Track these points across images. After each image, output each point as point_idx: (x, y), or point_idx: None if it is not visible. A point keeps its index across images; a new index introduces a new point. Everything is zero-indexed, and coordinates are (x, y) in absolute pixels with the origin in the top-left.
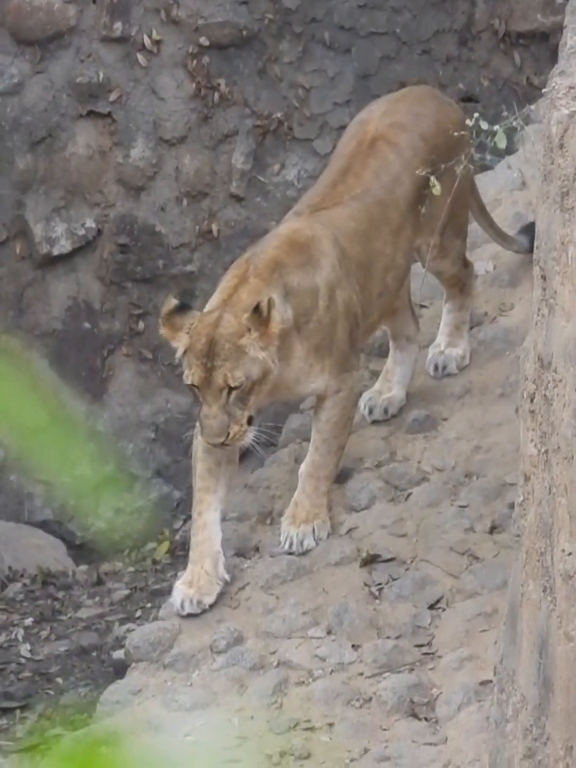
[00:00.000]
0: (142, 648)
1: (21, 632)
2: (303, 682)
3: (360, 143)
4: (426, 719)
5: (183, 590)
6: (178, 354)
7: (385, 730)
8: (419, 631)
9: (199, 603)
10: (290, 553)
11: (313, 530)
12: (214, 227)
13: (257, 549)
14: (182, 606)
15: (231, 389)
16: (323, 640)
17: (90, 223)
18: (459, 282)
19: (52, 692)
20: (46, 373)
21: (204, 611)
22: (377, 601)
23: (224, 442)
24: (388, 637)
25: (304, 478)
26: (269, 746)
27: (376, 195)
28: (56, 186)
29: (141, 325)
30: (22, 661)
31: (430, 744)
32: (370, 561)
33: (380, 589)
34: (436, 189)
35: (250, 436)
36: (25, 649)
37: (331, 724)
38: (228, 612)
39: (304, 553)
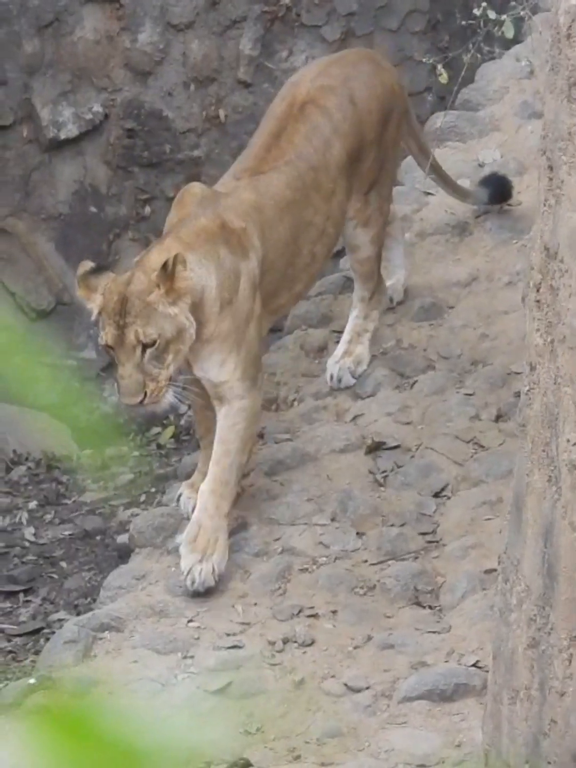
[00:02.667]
0: (146, 533)
1: (25, 516)
2: (307, 569)
3: (291, 106)
4: (430, 607)
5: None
6: (93, 316)
7: (388, 617)
8: (424, 518)
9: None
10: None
11: (213, 568)
12: (221, 113)
13: (262, 436)
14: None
15: (144, 347)
16: (327, 527)
17: (97, 108)
18: (370, 279)
19: (55, 576)
20: (52, 257)
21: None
22: (382, 489)
23: (142, 401)
24: (393, 525)
25: (205, 496)
26: (272, 633)
27: (309, 160)
28: (63, 70)
29: (147, 209)
30: (26, 544)
31: (434, 632)
32: (375, 448)
33: (385, 477)
34: (443, 77)
35: (169, 396)
36: (29, 532)
37: (334, 612)
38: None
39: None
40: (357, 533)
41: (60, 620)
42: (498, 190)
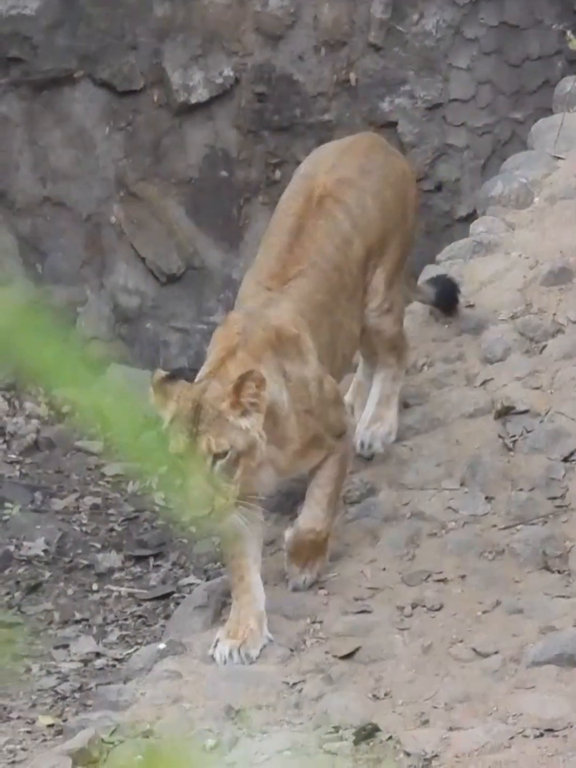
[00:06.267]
0: (276, 498)
1: (155, 480)
2: (435, 534)
3: (308, 200)
4: (559, 572)
5: (229, 642)
6: (165, 424)
7: (517, 582)
8: (553, 483)
9: (247, 655)
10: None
11: (316, 575)
12: (352, 76)
13: None
14: (230, 655)
15: (215, 458)
16: (456, 492)
17: (228, 72)
18: (395, 347)
19: (185, 541)
20: (183, 221)
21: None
22: (511, 453)
23: (208, 514)
24: (522, 489)
25: (303, 533)
26: (401, 597)
27: (333, 260)
28: (194, 34)
29: (277, 173)
30: (156, 509)
31: (563, 596)
32: (505, 413)
33: (514, 441)
34: (572, 43)
35: (235, 516)
36: (158, 497)
37: (463, 576)
38: (361, 463)
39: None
40: (486, 498)
41: (190, 585)
42: (445, 292)
